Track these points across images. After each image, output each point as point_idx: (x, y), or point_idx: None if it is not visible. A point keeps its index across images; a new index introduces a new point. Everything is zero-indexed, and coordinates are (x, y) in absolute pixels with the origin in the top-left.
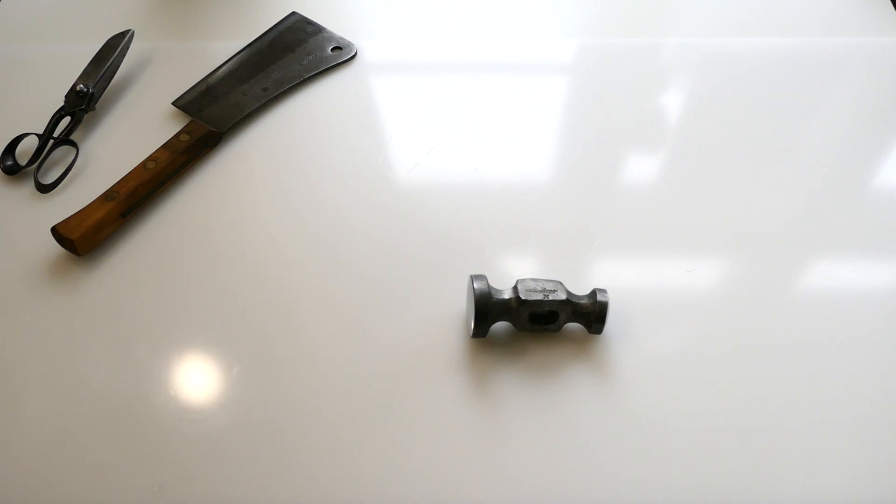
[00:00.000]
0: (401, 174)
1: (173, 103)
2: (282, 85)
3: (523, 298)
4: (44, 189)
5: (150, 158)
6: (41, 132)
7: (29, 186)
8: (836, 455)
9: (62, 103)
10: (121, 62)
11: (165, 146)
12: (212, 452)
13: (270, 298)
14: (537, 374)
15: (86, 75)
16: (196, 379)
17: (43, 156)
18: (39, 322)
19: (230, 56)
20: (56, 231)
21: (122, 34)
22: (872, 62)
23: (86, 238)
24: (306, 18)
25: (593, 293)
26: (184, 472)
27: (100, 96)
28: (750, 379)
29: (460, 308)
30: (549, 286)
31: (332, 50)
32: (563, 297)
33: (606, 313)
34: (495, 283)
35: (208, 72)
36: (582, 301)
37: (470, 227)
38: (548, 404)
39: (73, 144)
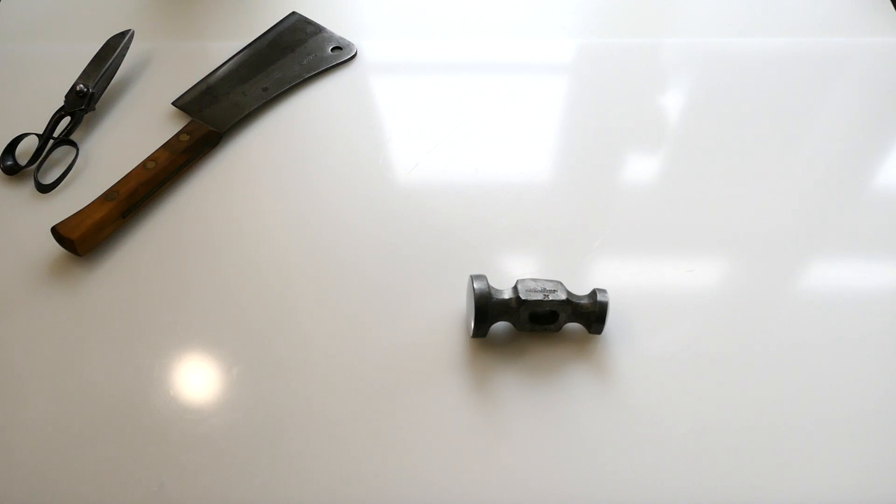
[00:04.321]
0: (401, 174)
1: (173, 103)
2: (282, 85)
3: (523, 298)
4: (44, 189)
5: (150, 158)
6: (41, 132)
7: (29, 186)
8: (836, 455)
9: (62, 103)
10: (121, 62)
11: (165, 146)
12: (212, 452)
13: (270, 298)
14: (537, 374)
15: (86, 75)
16: (196, 379)
17: (43, 156)
18: (39, 322)
19: (230, 56)
20: (56, 231)
21: (122, 34)
22: (872, 62)
23: (86, 238)
24: (306, 18)
25: (593, 293)
26: (184, 472)
27: (100, 96)
28: (750, 379)
29: (460, 308)
30: (549, 286)
31: (332, 50)
32: (563, 297)
33: (606, 313)
34: (495, 283)
35: (208, 72)
36: (582, 301)
37: (470, 227)
38: (548, 404)
39: (73, 144)
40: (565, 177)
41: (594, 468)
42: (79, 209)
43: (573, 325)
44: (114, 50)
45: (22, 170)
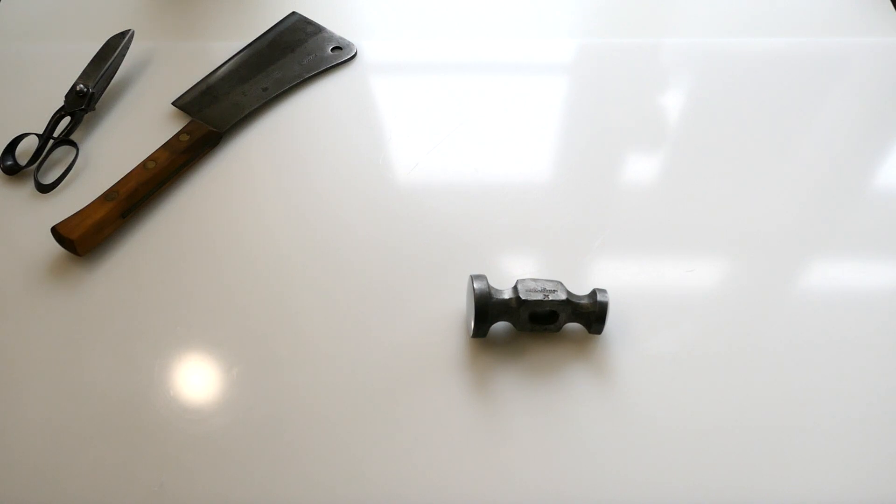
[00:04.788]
0: (401, 174)
1: (173, 103)
2: (282, 85)
3: (523, 298)
4: (44, 189)
5: (150, 158)
6: (41, 132)
7: (29, 186)
8: (836, 455)
9: (62, 103)
10: (121, 62)
11: (165, 146)
12: (212, 452)
13: (270, 298)
14: (537, 374)
15: (86, 75)
16: (196, 379)
17: (43, 156)
18: (39, 322)
19: (230, 56)
20: (56, 231)
21: (122, 34)
22: (872, 62)
23: (86, 238)
24: (306, 18)
25: (593, 293)
26: (184, 472)
27: (100, 96)
28: (750, 379)
29: (460, 308)
30: (549, 286)
31: (332, 50)
32: (563, 297)
33: (606, 313)
34: (495, 283)
35: (208, 72)
36: (582, 301)
37: (470, 227)
38: (548, 404)
39: (73, 144)
40: (565, 177)
41: (594, 468)
42: (79, 209)
43: (573, 325)
44: (114, 50)
45: (22, 170)
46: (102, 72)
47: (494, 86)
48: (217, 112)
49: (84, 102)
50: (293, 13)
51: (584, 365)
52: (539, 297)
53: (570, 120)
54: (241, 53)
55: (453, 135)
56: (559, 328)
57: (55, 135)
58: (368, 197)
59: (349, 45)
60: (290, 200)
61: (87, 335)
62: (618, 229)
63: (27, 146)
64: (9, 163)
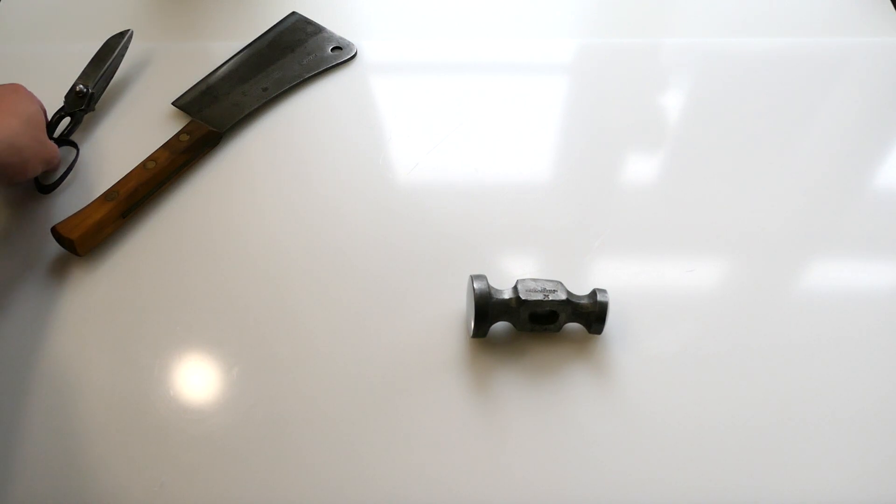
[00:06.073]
0: (401, 174)
1: (173, 103)
2: (282, 85)
3: (523, 298)
4: (44, 189)
5: (150, 158)
6: None
7: (29, 186)
8: (836, 455)
9: (62, 103)
10: (120, 62)
11: (165, 146)
12: (212, 452)
13: (271, 298)
14: (537, 374)
15: (85, 75)
16: (196, 379)
17: None
18: (39, 322)
19: (230, 56)
20: (56, 231)
21: (122, 34)
22: (872, 62)
23: (86, 238)
24: (306, 18)
25: (593, 293)
26: (184, 472)
27: (100, 96)
28: (750, 379)
29: (460, 308)
30: (549, 286)
31: (332, 50)
32: (563, 297)
33: (606, 313)
34: (495, 283)
35: (208, 72)
36: (582, 301)
37: (470, 227)
38: (548, 404)
39: (74, 144)
40: (565, 177)
41: (594, 468)
42: (79, 209)
43: (573, 325)
44: (113, 50)
45: None
46: (102, 72)
47: (494, 86)
48: (217, 112)
49: (84, 102)
50: (293, 13)
51: (584, 365)
52: (539, 297)
53: (570, 120)
54: (241, 53)
55: (453, 135)
56: (559, 328)
57: (55, 135)
58: (368, 197)
59: (349, 45)
60: (290, 200)
61: (87, 335)
62: (618, 229)
63: None
64: None
